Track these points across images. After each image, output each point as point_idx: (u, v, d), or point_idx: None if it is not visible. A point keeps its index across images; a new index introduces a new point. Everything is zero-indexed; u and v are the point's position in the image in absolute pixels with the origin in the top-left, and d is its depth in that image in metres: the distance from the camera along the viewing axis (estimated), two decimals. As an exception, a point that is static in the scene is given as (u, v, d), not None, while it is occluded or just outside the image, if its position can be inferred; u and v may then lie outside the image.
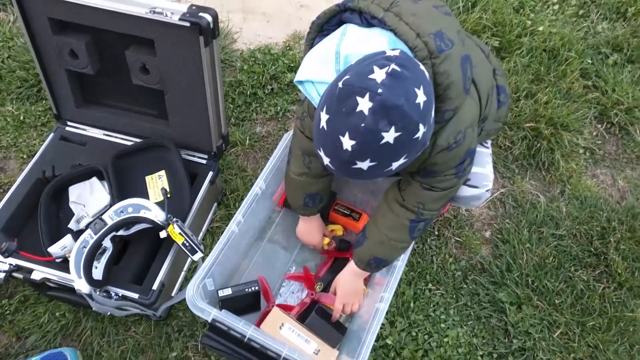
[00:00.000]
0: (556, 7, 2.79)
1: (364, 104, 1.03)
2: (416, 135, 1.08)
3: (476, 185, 1.66)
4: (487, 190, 1.69)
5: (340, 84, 1.08)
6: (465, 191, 1.63)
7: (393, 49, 1.11)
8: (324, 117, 1.10)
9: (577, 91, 2.47)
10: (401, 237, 1.59)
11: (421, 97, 1.06)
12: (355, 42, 1.25)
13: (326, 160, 1.16)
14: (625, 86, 2.49)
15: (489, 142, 1.73)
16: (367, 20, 1.27)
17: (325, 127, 1.10)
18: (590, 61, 2.59)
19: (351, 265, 1.73)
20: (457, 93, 1.23)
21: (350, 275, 1.75)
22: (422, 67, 1.12)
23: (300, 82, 1.31)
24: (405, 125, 1.05)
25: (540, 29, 2.61)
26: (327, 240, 1.92)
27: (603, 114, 2.47)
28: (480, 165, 1.64)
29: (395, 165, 1.13)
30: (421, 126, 1.08)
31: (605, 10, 2.81)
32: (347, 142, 1.07)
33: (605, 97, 2.48)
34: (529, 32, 2.61)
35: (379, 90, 1.02)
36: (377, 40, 1.22)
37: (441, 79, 1.20)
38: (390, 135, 1.05)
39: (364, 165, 1.10)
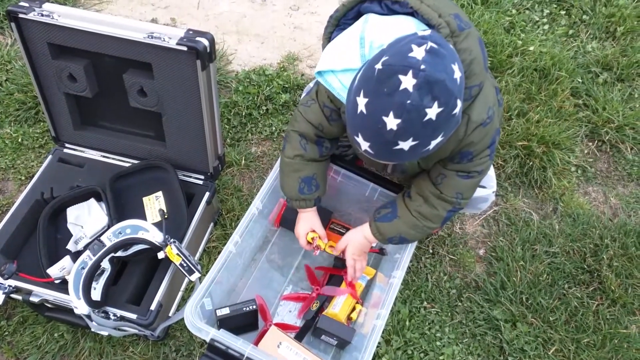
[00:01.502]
0: (546, 27, 2.84)
1: (408, 81, 1.05)
2: (455, 111, 1.12)
3: (484, 186, 1.69)
4: (492, 192, 1.73)
5: (378, 66, 1.10)
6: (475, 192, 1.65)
7: (423, 30, 1.15)
8: (362, 101, 1.12)
9: (568, 110, 2.51)
10: (434, 224, 1.61)
11: (457, 73, 1.10)
12: (380, 26, 1.29)
13: (365, 145, 1.18)
14: (616, 104, 2.53)
15: None
16: (388, 6, 1.33)
17: (364, 110, 1.12)
18: (580, 80, 2.63)
19: (366, 232, 1.71)
20: (480, 69, 1.28)
21: (362, 239, 1.73)
22: (451, 45, 1.17)
23: (320, 74, 1.35)
24: (447, 100, 1.09)
25: (531, 48, 2.66)
26: (312, 235, 1.80)
27: (594, 132, 2.51)
28: None
29: (433, 144, 1.15)
30: (459, 101, 1.12)
31: (594, 30, 2.86)
32: (392, 122, 1.09)
33: (595, 115, 2.52)
34: (520, 51, 2.66)
35: (422, 67, 1.05)
36: (404, 23, 1.28)
37: (464, 56, 1.24)
38: (433, 111, 1.08)
39: (406, 145, 1.13)
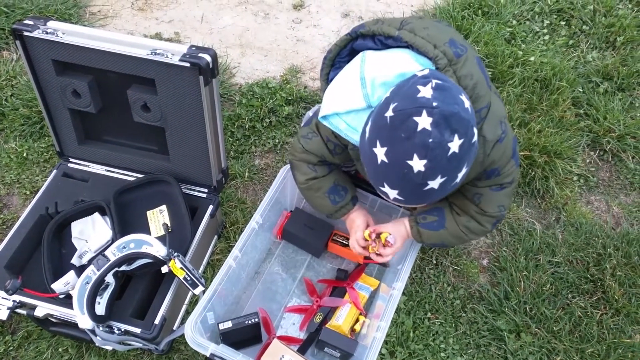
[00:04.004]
0: (547, 37, 2.86)
1: (424, 121, 1.05)
2: (474, 140, 1.12)
3: None
4: None
5: (389, 113, 1.10)
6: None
7: (422, 70, 1.15)
8: (381, 150, 1.12)
9: (569, 119, 2.52)
10: (479, 237, 1.72)
11: (467, 103, 1.11)
12: (379, 63, 1.29)
13: (393, 194, 1.17)
14: (617, 114, 2.53)
15: None
16: (382, 41, 1.33)
17: (385, 159, 1.12)
18: (581, 90, 2.64)
19: (407, 227, 1.71)
20: (485, 90, 1.29)
21: (404, 232, 1.71)
22: (451, 74, 1.20)
23: (324, 118, 1.35)
24: (466, 130, 1.09)
25: (532, 59, 2.67)
26: (368, 231, 1.73)
27: (595, 142, 2.51)
28: None
29: (459, 176, 1.16)
30: (474, 129, 1.12)
31: (594, 40, 2.87)
32: (418, 164, 1.08)
33: (597, 125, 2.53)
34: (521, 62, 2.67)
35: (435, 104, 1.05)
36: (401, 57, 1.28)
37: (466, 82, 1.25)
38: (455, 144, 1.08)
39: (435, 183, 1.12)
